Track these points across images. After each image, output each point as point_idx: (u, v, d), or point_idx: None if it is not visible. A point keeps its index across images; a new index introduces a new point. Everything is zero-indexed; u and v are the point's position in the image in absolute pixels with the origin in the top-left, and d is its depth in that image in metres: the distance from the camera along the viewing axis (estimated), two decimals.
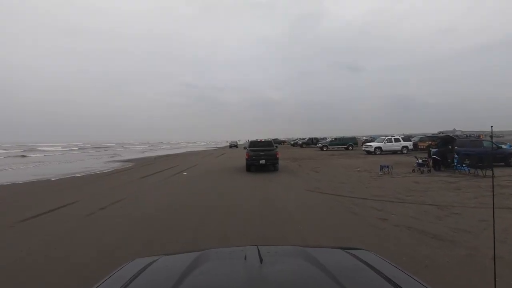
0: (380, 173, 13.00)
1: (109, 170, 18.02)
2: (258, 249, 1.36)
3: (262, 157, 15.37)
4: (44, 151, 52.35)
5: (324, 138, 54.22)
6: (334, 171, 14.64)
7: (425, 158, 14.50)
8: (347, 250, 1.45)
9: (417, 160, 14.33)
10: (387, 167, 13.19)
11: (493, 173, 2.79)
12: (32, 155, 38.44)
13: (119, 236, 5.35)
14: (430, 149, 14.72)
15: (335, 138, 39.08)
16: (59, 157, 35.16)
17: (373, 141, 32.26)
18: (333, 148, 36.89)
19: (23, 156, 36.44)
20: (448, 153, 13.44)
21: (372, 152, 26.52)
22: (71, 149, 61.33)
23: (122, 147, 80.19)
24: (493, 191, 2.22)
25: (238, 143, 77.70)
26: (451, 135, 15.80)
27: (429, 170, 13.26)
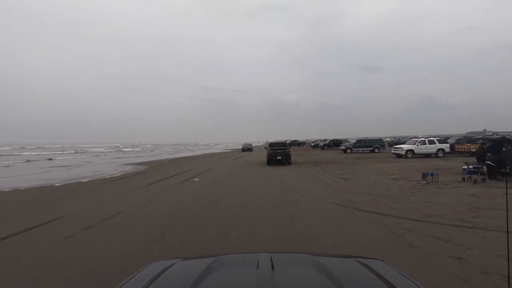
0: (422, 182, 10.92)
1: (119, 175, 17.03)
2: (270, 256, 1.37)
3: (278, 154, 21.49)
4: (91, 152, 57.52)
5: (346, 140, 51.64)
6: (365, 178, 12.70)
7: (477, 164, 12.22)
8: (360, 260, 1.42)
9: (467, 166, 12.10)
10: (431, 174, 11.09)
11: None
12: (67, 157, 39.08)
13: None
14: (487, 154, 12.37)
15: (360, 140, 36.48)
16: (94, 159, 35.30)
17: (402, 143, 29.64)
18: (358, 150, 34.40)
19: (50, 159, 36.86)
20: (509, 158, 11.11)
21: (403, 155, 24.04)
22: (117, 150, 68.34)
23: (156, 148, 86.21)
24: None
25: (258, 144, 76.48)
26: (507, 136, 13.34)
27: (484, 179, 11.01)
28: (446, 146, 24.15)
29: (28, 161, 32.90)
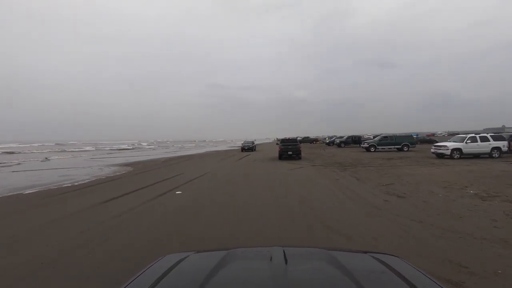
0: None
1: (86, 182, 13.11)
2: (283, 250, 1.35)
3: (289, 150, 22.21)
4: (104, 149, 56.12)
5: (368, 136, 46.69)
6: (428, 195, 8.31)
7: None
8: (373, 255, 1.40)
9: None
10: None
11: None
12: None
13: None
14: None
15: (386, 136, 31.48)
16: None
17: (437, 141, 24.77)
18: (383, 148, 29.71)
19: (46, 158, 33.75)
20: None
21: (446, 155, 19.37)
22: (134, 147, 69.97)
23: (173, 145, 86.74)
24: None
25: (268, 141, 73.37)
26: None
27: None
28: (503, 144, 19.29)
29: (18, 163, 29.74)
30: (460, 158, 18.98)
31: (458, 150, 19.19)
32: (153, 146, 72.52)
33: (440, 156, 19.92)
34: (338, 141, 44.45)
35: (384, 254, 1.44)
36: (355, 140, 41.49)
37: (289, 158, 22.36)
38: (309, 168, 16.01)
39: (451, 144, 19.81)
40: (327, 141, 53.45)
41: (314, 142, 64.21)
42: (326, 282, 1.10)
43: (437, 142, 25.46)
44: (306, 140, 65.32)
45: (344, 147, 41.48)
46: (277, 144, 25.74)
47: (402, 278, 1.09)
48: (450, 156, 19.16)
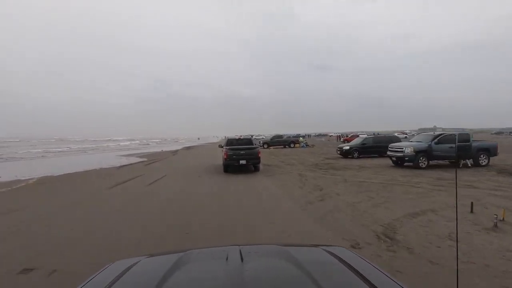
0: None
1: None
2: (239, 249, 1.37)
3: (242, 157, 14.06)
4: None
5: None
6: None
7: None
8: (324, 248, 1.48)
9: None
10: None
11: None
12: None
13: None
14: None
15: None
16: None
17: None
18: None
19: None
20: None
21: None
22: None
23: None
24: None
25: (215, 139, 66.92)
26: None
27: None
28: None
29: None
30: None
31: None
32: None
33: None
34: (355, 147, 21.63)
35: (335, 246, 1.54)
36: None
37: (240, 169, 14.61)
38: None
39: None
40: (344, 148, 22.16)
41: (293, 145, 37.29)
42: (281, 277, 1.14)
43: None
44: (278, 141, 38.52)
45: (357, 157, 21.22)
46: (220, 146, 17.22)
47: (351, 269, 1.17)
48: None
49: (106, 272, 1.24)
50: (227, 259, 1.24)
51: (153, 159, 25.50)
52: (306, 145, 37.50)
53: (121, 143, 68.08)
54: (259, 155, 14.58)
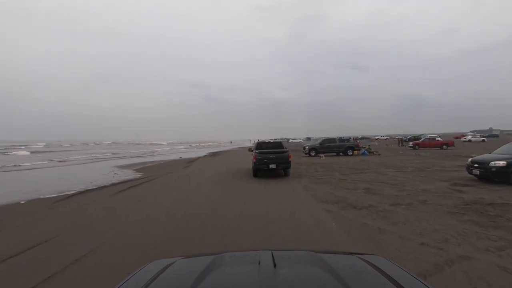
0: None
1: None
2: (272, 254, 1.34)
3: (271, 160, 13.58)
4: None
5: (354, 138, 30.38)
6: None
7: None
8: (360, 256, 1.42)
9: None
10: None
11: None
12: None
13: None
14: None
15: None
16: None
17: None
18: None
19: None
20: None
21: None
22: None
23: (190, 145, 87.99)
24: None
25: (248, 143, 66.20)
26: None
27: None
28: None
29: None
30: None
31: None
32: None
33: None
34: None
35: (371, 255, 1.47)
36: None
37: (270, 173, 14.02)
38: None
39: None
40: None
41: (351, 153, 27.38)
42: (315, 285, 1.09)
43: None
44: (329, 146, 27.96)
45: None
46: (250, 151, 16.39)
47: (388, 278, 1.11)
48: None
49: (144, 272, 1.26)
50: (259, 263, 1.22)
51: (147, 176, 16.43)
52: (368, 152, 28.39)
53: (160, 148, 63.61)
54: (290, 159, 13.99)
